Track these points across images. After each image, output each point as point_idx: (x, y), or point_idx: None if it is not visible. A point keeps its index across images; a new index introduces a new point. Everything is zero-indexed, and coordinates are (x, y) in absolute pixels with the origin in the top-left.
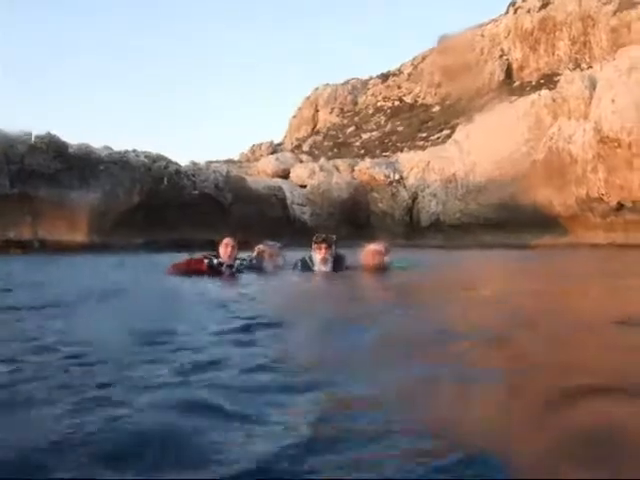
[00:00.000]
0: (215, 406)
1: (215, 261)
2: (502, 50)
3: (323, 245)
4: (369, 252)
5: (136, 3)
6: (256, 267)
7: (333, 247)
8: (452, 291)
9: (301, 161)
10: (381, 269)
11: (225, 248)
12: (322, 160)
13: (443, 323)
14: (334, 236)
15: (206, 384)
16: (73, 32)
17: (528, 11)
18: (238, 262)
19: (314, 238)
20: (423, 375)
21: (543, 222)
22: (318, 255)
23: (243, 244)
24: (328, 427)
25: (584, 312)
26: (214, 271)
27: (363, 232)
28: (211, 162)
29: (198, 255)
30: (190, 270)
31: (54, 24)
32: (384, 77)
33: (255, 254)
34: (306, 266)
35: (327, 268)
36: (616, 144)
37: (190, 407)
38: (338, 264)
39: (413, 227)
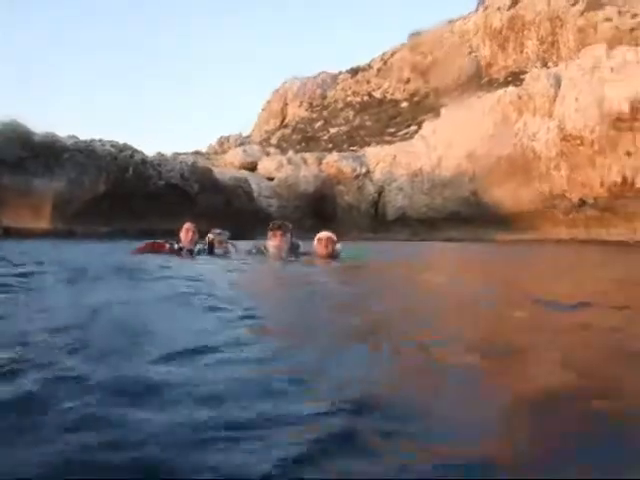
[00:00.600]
0: None
1: (176, 245)
2: (471, 47)
3: (278, 232)
4: (321, 240)
5: None
6: (208, 253)
7: (289, 235)
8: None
9: (268, 154)
10: (332, 256)
11: (186, 233)
12: (290, 153)
13: None
14: (290, 224)
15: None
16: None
17: (498, 9)
18: (199, 246)
19: (269, 225)
20: None
21: (508, 218)
22: (273, 242)
23: (208, 233)
24: None
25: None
26: (174, 252)
27: (328, 225)
28: (179, 154)
29: (160, 240)
30: (152, 251)
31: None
32: (354, 72)
33: (207, 242)
34: (260, 252)
35: (281, 254)
36: (579, 142)
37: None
38: (292, 251)
39: (379, 220)
